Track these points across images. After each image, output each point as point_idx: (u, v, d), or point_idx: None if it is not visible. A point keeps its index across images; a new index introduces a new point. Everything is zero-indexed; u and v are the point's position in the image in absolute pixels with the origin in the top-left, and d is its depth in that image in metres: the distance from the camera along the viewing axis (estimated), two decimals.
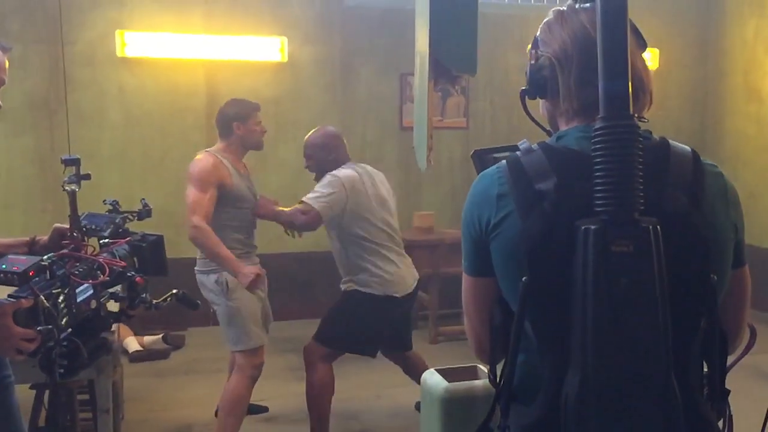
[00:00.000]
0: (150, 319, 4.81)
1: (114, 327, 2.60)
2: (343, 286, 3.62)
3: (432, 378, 3.03)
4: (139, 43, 5.44)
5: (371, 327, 3.58)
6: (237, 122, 3.50)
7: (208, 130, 5.48)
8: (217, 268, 3.37)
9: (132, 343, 5.03)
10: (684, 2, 6.69)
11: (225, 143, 3.52)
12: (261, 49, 5.70)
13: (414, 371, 3.90)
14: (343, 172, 3.51)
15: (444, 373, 3.02)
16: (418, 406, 4.02)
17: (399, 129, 6.10)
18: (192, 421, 3.95)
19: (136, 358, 4.94)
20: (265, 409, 4.03)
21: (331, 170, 3.54)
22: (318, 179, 3.62)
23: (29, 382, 2.93)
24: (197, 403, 4.13)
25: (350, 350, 3.63)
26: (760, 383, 4.39)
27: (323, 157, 3.58)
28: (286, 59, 5.75)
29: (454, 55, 2.35)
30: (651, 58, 6.47)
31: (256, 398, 4.20)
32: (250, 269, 3.32)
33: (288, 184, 5.34)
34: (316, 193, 3.44)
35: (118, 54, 5.42)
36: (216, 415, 3.84)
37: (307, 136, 3.67)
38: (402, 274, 3.58)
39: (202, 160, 3.43)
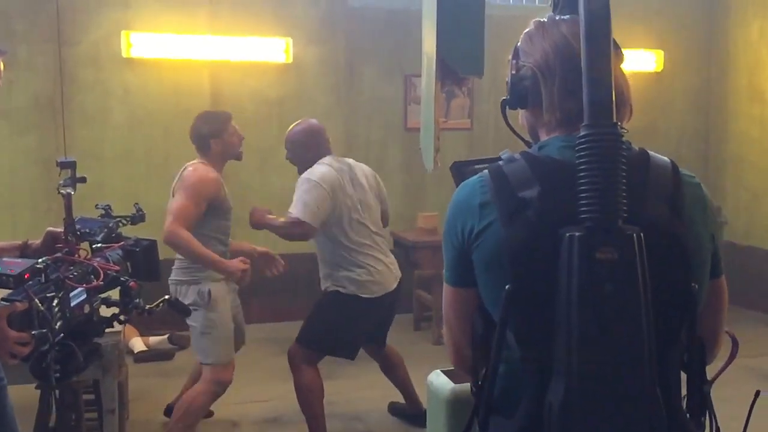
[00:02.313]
0: (155, 320, 4.82)
1: (119, 327, 2.61)
2: (324, 286, 3.58)
3: (438, 379, 3.02)
4: (144, 43, 5.45)
5: (350, 328, 3.54)
6: (213, 139, 3.44)
7: None
8: (196, 278, 3.33)
9: (137, 344, 5.04)
10: (688, 4, 6.68)
11: (206, 159, 3.46)
12: (265, 50, 5.71)
13: (392, 372, 3.89)
14: (318, 172, 3.46)
15: (450, 374, 3.02)
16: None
17: (403, 130, 6.10)
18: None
19: (141, 358, 4.95)
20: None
21: (310, 166, 3.51)
22: (300, 173, 3.58)
23: (34, 382, 2.93)
24: None
25: (330, 352, 3.59)
26: (763, 386, 4.38)
27: (302, 154, 3.56)
28: (290, 60, 5.76)
29: (461, 57, 2.36)
30: (655, 59, 6.48)
31: (259, 398, 4.21)
32: (235, 264, 3.27)
33: (290, 186, 5.31)
34: (301, 203, 3.39)
35: (123, 55, 5.43)
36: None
37: (289, 129, 3.63)
38: (384, 274, 3.53)
39: (201, 170, 3.36)
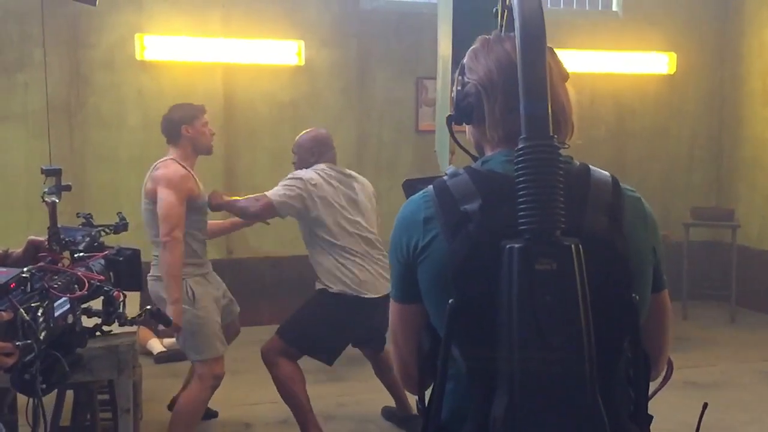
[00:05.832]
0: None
1: (134, 328, 2.62)
2: (316, 285, 3.62)
3: None
4: (158, 46, 5.49)
5: (333, 329, 3.53)
6: (185, 125, 3.42)
7: (225, 133, 5.53)
8: (182, 275, 3.29)
9: (156, 345, 5.06)
10: (701, 6, 6.66)
11: (178, 150, 3.43)
12: (278, 52, 5.74)
13: (384, 374, 3.89)
14: (306, 173, 3.55)
15: None
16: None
17: (415, 132, 6.11)
18: (209, 420, 3.96)
19: (161, 358, 4.99)
20: (215, 414, 3.98)
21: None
22: None
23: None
24: (214, 403, 4.14)
25: (309, 352, 3.57)
26: None
27: (306, 158, 3.65)
28: (302, 63, 5.79)
29: None
30: (668, 62, 6.46)
31: (270, 399, 4.21)
32: (177, 313, 3.17)
33: None
34: (276, 188, 3.50)
35: (137, 57, 5.47)
36: (169, 408, 3.82)
37: (298, 136, 3.76)
38: (366, 283, 3.52)
39: (172, 166, 3.34)
